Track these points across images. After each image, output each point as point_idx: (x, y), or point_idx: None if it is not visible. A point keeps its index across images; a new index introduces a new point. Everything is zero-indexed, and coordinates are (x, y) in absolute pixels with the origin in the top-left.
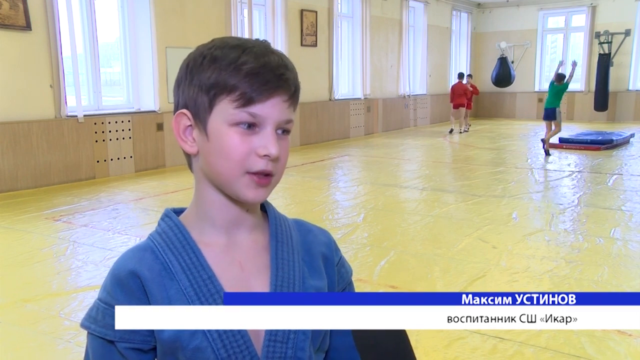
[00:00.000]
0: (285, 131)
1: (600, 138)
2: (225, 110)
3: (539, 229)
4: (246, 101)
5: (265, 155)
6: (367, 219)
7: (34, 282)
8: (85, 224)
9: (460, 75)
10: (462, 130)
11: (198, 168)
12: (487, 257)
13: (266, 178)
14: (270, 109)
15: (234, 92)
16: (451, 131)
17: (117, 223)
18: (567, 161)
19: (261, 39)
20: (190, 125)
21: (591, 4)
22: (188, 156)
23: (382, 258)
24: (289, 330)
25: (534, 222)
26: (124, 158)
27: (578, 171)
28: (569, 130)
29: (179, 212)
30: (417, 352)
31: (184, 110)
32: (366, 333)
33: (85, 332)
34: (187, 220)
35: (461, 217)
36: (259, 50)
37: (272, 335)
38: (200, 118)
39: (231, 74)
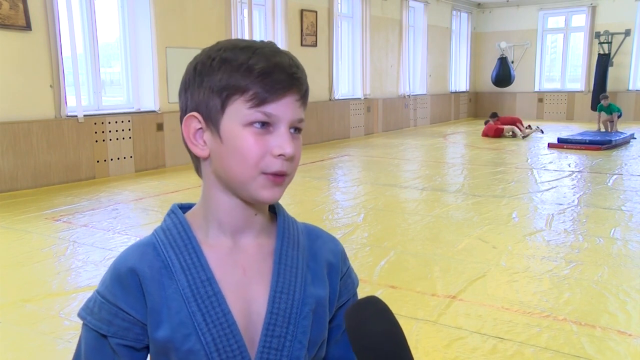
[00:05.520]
0: (298, 130)
1: (600, 138)
2: (238, 111)
3: (539, 229)
4: (260, 101)
5: (280, 155)
6: (367, 219)
7: (34, 282)
8: (85, 224)
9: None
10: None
11: (208, 171)
12: (487, 257)
13: (281, 177)
14: (284, 108)
15: (247, 92)
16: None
17: (117, 223)
18: (567, 161)
19: (262, 39)
20: (201, 128)
21: (591, 4)
22: (197, 160)
23: (382, 258)
24: (285, 338)
25: (534, 222)
26: (124, 158)
27: (578, 171)
28: (568, 130)
29: (186, 207)
30: (417, 352)
31: (194, 113)
32: (362, 335)
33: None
34: (193, 220)
35: (461, 217)
36: (269, 51)
37: (267, 342)
38: (213, 120)
39: (243, 74)
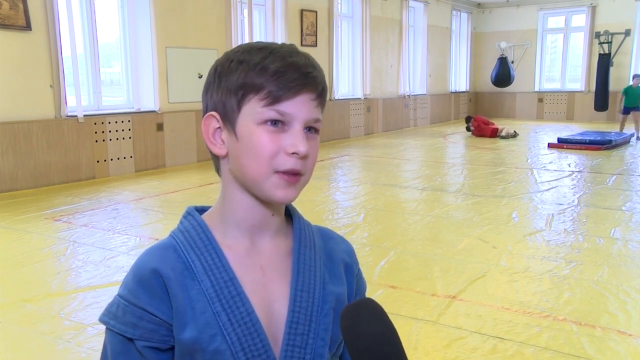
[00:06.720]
0: (314, 130)
1: (600, 138)
2: (253, 110)
3: (539, 229)
4: (274, 99)
5: (293, 153)
6: (367, 219)
7: (34, 282)
8: (85, 224)
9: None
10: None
11: (226, 170)
12: (487, 257)
13: (295, 176)
14: (298, 107)
15: (261, 91)
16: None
17: (117, 223)
18: (567, 161)
19: (263, 39)
20: (219, 128)
21: (591, 4)
22: (216, 159)
23: (382, 258)
24: (308, 336)
25: (534, 222)
26: (124, 158)
27: (578, 171)
28: (569, 130)
29: (200, 210)
30: (417, 352)
31: (213, 113)
32: (357, 336)
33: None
34: (210, 221)
35: (461, 217)
36: (286, 52)
37: (291, 340)
38: (229, 119)
39: (258, 74)
